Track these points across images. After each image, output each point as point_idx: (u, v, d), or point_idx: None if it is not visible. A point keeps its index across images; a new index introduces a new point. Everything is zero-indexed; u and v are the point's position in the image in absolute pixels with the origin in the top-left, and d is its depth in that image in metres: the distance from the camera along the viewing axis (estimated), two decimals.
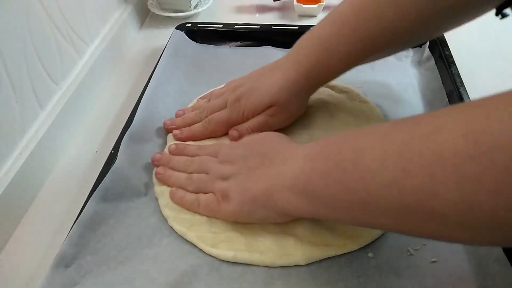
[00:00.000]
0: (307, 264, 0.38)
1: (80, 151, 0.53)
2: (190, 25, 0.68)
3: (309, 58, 0.46)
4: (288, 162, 0.37)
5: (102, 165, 0.46)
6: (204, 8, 0.76)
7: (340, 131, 0.42)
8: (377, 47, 0.44)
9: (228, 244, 0.39)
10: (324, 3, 0.75)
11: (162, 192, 0.44)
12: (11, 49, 0.44)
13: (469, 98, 0.51)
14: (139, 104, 0.53)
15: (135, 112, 0.52)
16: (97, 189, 0.43)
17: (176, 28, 0.67)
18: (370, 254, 0.39)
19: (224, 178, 0.41)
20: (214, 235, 0.40)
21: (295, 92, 0.48)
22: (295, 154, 0.37)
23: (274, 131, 0.46)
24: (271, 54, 0.64)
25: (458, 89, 0.52)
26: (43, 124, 0.50)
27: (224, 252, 0.39)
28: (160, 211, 0.43)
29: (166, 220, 0.42)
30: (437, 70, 0.57)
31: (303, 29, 0.66)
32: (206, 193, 0.42)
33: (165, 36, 0.66)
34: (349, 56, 0.45)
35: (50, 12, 0.51)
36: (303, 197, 0.34)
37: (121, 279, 0.37)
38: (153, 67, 0.59)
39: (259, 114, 0.48)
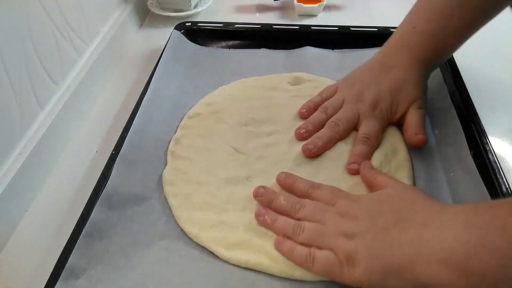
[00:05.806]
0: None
1: (80, 151, 0.53)
2: (189, 24, 0.67)
3: (423, 39, 0.47)
4: (431, 226, 0.32)
5: (103, 166, 0.46)
6: (204, 7, 0.76)
7: None
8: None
9: (241, 249, 0.39)
10: (324, 3, 0.75)
11: (174, 193, 0.43)
12: (10, 48, 0.44)
13: (471, 99, 0.51)
14: (139, 104, 0.52)
15: (136, 113, 0.51)
16: (100, 197, 0.42)
17: (176, 27, 0.66)
18: None
19: (348, 236, 0.35)
20: (227, 238, 0.39)
21: (423, 80, 0.49)
22: (440, 216, 0.33)
23: None
24: (271, 56, 0.63)
25: (459, 90, 0.52)
26: (42, 124, 0.49)
27: (237, 256, 0.38)
28: (168, 215, 0.42)
29: (174, 224, 0.41)
30: (439, 70, 0.57)
31: (304, 28, 0.67)
32: (321, 248, 0.36)
33: (165, 35, 0.65)
34: (467, 19, 0.45)
35: (50, 12, 0.50)
36: (460, 274, 0.29)
37: (133, 284, 0.37)
38: (153, 67, 0.59)
39: (403, 112, 0.48)
